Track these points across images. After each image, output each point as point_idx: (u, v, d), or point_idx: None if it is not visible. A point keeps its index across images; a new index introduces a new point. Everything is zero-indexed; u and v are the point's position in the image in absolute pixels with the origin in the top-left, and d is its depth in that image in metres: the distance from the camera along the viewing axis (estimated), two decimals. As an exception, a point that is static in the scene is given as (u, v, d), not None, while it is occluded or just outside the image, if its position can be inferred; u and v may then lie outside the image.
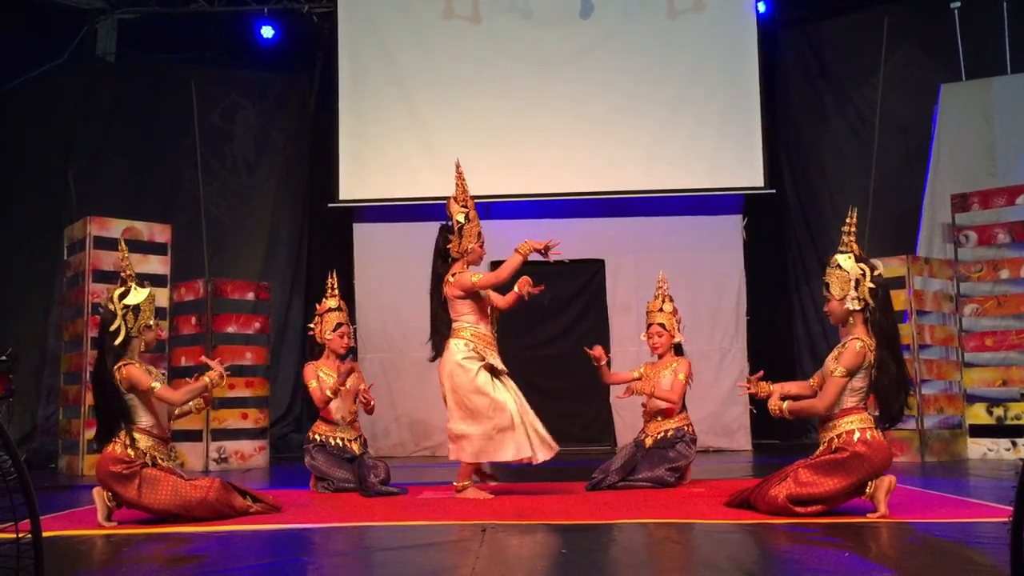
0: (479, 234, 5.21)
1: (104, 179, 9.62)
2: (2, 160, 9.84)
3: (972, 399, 7.72)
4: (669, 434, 5.60)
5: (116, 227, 7.94)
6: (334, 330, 5.82)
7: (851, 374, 4.10)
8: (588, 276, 9.50)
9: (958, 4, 8.87)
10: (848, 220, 4.35)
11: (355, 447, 5.75)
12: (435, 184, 9.30)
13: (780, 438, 9.45)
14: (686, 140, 9.25)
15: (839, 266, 4.23)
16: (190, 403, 4.62)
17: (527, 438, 4.95)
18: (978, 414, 7.64)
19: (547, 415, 5.22)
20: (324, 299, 5.96)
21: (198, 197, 9.49)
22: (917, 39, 9.45)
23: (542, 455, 4.99)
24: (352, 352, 6.28)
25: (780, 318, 10.03)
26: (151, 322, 4.51)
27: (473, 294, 5.13)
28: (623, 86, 9.33)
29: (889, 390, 4.11)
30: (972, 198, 7.93)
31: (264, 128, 10.34)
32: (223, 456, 8.00)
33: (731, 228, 9.41)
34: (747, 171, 9.19)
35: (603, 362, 5.63)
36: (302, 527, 4.20)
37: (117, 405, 4.37)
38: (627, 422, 8.58)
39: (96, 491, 4.38)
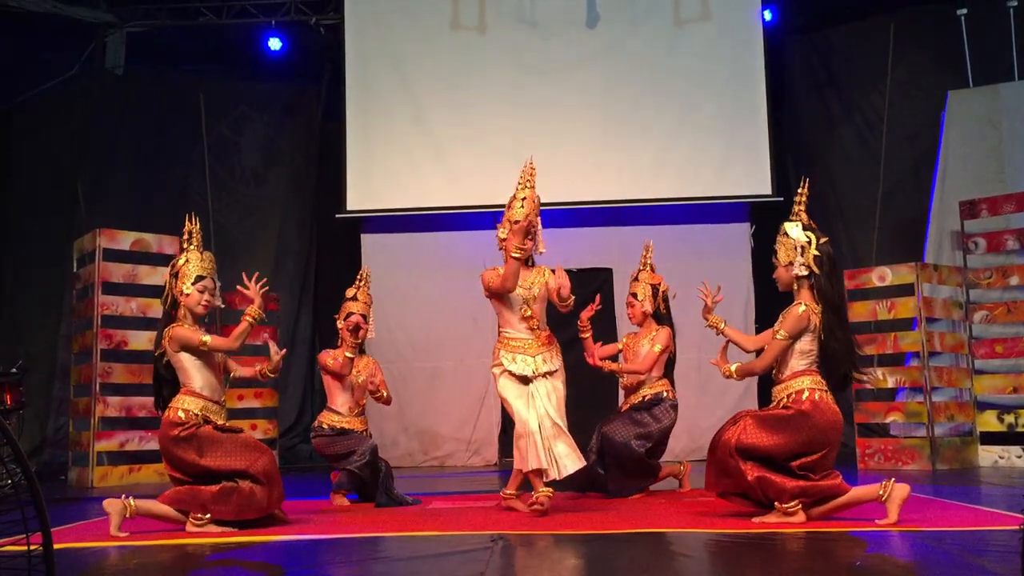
0: (514, 222, 4.87)
1: (113, 191, 9.68)
2: (12, 172, 9.90)
3: (983, 406, 7.70)
4: (646, 398, 5.60)
5: (125, 239, 7.98)
6: (345, 319, 5.84)
7: (793, 337, 4.21)
8: (596, 285, 9.46)
9: (965, 11, 8.87)
10: (800, 190, 4.42)
11: None
12: (443, 194, 9.35)
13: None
14: (693, 148, 9.25)
15: (786, 234, 4.32)
16: (247, 370, 4.88)
17: (546, 451, 4.70)
18: (989, 421, 7.62)
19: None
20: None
21: (207, 208, 9.53)
22: (924, 46, 9.44)
23: (553, 472, 4.73)
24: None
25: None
26: (186, 286, 4.54)
27: (501, 293, 4.89)
28: (630, 95, 9.34)
29: (837, 354, 4.20)
30: (981, 205, 7.92)
31: (272, 139, 10.39)
32: (232, 467, 8.00)
33: (739, 236, 9.40)
34: (754, 179, 9.19)
35: (587, 335, 5.43)
36: (312, 538, 4.20)
37: (164, 372, 4.53)
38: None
39: (107, 502, 4.39)
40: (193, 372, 4.50)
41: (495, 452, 9.22)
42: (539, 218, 5.03)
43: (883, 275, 7.74)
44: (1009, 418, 7.55)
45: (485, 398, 9.22)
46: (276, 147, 10.40)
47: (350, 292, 5.96)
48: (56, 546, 2.21)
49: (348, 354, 5.66)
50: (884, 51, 9.24)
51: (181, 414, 4.41)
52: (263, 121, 10.35)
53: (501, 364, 4.89)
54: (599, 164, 9.24)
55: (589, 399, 9.02)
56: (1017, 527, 1.92)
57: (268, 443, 8.39)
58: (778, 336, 4.23)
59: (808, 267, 4.24)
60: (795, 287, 4.30)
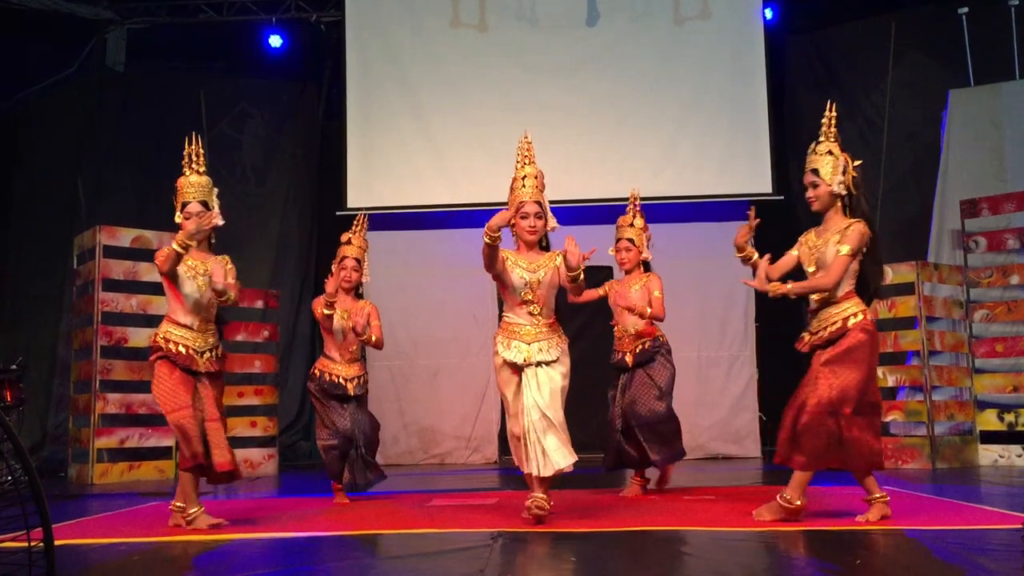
0: (514, 206, 4.64)
1: (113, 188, 9.67)
2: (13, 170, 9.89)
3: (983, 405, 7.70)
4: (647, 345, 5.62)
5: (125, 236, 7.98)
6: (339, 263, 5.82)
7: (855, 254, 4.17)
8: (596, 283, 9.43)
9: (965, 10, 8.86)
10: (827, 114, 4.38)
11: (350, 387, 5.72)
12: (443, 192, 9.35)
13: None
14: (694, 147, 9.24)
15: (830, 152, 4.28)
16: (215, 286, 4.54)
17: (536, 452, 4.38)
18: (989, 420, 7.62)
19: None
20: None
21: (206, 206, 9.51)
22: (925, 45, 9.42)
23: (542, 469, 4.38)
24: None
25: (789, 325, 9.98)
26: (177, 215, 4.58)
27: (498, 275, 4.59)
28: (630, 93, 9.33)
29: (872, 273, 4.25)
30: (981, 204, 7.91)
31: (273, 137, 10.38)
32: (232, 464, 8.00)
33: (739, 234, 9.38)
34: (755, 177, 9.17)
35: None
36: (312, 535, 4.20)
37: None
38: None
39: (189, 524, 4.47)
40: (167, 296, 4.54)
41: (495, 450, 9.22)
42: (544, 195, 4.81)
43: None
44: (1009, 417, 7.54)
45: (485, 396, 9.22)
46: (277, 145, 10.39)
47: (345, 237, 5.92)
48: (56, 542, 2.21)
49: (326, 311, 5.59)
50: (885, 50, 9.23)
51: (152, 338, 4.53)
52: (264, 118, 10.35)
53: (497, 351, 4.60)
54: (599, 162, 9.23)
55: (589, 397, 9.05)
56: (1017, 526, 1.92)
57: (267, 440, 8.39)
58: (843, 252, 4.13)
59: (847, 186, 4.23)
60: (829, 208, 4.27)
